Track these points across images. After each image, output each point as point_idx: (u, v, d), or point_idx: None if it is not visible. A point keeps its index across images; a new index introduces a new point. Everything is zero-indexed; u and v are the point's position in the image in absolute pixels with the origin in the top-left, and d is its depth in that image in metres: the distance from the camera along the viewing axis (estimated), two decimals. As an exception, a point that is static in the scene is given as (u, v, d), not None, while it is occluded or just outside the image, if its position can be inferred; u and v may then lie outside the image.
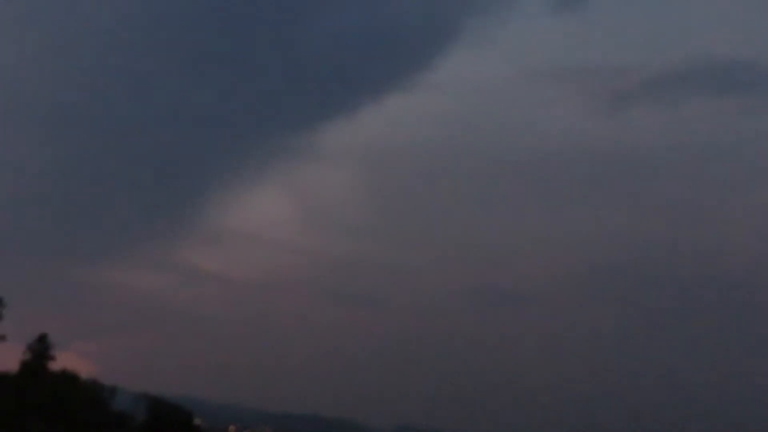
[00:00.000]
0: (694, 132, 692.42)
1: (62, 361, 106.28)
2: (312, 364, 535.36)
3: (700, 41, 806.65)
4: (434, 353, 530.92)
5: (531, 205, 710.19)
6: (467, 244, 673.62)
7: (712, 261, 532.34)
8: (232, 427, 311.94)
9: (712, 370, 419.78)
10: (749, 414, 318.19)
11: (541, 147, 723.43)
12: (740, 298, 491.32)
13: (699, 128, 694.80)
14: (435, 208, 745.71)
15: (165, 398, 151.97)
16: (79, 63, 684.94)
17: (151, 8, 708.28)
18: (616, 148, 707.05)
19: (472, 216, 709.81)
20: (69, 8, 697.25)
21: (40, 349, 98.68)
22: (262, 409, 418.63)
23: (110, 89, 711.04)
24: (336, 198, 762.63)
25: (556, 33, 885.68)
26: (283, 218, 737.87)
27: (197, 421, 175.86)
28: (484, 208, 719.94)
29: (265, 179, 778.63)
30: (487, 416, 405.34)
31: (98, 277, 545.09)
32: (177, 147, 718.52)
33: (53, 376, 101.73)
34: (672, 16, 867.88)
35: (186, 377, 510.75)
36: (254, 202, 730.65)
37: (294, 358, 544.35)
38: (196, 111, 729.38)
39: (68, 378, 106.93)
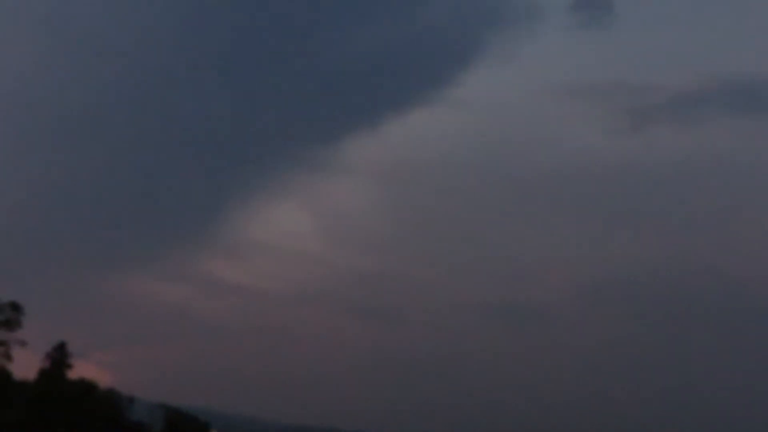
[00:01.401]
0: (716, 151, 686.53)
1: (80, 370, 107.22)
2: (330, 376, 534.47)
3: (724, 59, 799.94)
4: (452, 368, 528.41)
5: (551, 221, 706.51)
6: (487, 260, 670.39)
7: (731, 279, 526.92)
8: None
9: (727, 385, 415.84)
10: (760, 425, 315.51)
11: (562, 164, 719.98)
12: (757, 315, 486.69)
13: (721, 147, 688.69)
14: (455, 223, 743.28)
15: (182, 409, 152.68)
16: (99, 69, 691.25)
17: (174, 16, 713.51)
18: (637, 165, 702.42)
19: (493, 232, 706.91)
20: (88, 12, 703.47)
21: (59, 357, 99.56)
22: (279, 421, 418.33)
23: (133, 98, 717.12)
24: (357, 211, 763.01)
25: (580, 50, 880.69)
26: (304, 231, 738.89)
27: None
28: (504, 224, 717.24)
29: (286, 192, 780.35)
30: (500, 430, 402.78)
31: (118, 287, 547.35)
32: (199, 158, 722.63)
33: (71, 385, 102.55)
34: (696, 34, 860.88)
35: (204, 388, 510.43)
36: (276, 214, 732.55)
37: (312, 371, 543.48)
38: (219, 122, 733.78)
39: (86, 387, 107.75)
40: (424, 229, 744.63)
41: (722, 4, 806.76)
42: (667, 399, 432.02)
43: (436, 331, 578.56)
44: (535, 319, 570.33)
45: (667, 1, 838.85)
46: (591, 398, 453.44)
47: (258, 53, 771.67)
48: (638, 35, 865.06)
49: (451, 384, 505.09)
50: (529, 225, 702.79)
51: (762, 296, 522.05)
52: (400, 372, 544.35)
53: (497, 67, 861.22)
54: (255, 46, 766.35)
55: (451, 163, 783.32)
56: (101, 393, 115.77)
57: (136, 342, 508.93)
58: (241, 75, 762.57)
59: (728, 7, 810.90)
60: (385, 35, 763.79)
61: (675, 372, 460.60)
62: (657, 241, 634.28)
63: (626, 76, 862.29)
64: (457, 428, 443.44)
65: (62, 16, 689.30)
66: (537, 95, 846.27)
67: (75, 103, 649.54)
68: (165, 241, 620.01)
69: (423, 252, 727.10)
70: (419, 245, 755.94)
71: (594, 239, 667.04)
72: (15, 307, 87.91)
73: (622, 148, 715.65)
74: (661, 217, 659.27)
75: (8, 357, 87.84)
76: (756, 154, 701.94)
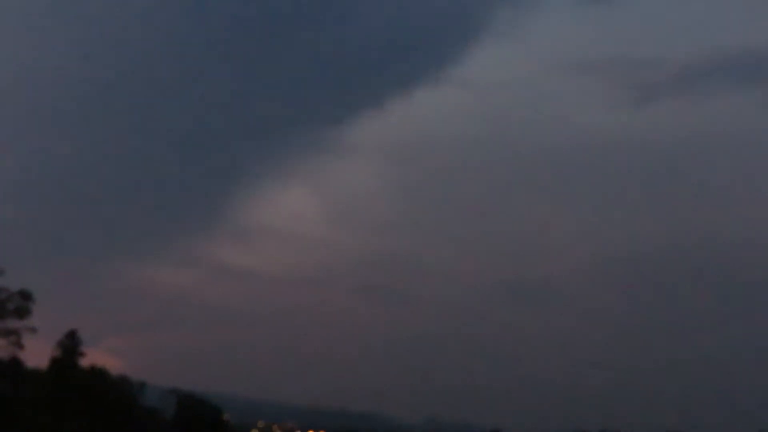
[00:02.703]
0: (721, 124, 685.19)
1: (92, 357, 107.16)
2: (339, 358, 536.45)
3: (729, 33, 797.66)
4: (461, 347, 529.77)
5: (558, 197, 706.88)
6: (494, 238, 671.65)
7: (738, 253, 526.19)
8: (260, 423, 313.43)
9: (738, 356, 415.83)
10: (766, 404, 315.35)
11: (568, 140, 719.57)
12: (766, 287, 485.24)
13: (727, 120, 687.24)
14: (463, 202, 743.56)
15: (194, 394, 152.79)
16: (103, 54, 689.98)
17: (179, 1, 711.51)
18: (644, 140, 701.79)
19: (500, 209, 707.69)
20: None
21: (70, 345, 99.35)
22: (289, 404, 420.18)
23: (137, 83, 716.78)
24: (364, 193, 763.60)
25: (584, 26, 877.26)
26: (311, 214, 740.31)
27: (225, 417, 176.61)
28: (511, 202, 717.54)
29: (292, 175, 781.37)
30: (513, 409, 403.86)
31: (127, 273, 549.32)
32: (205, 143, 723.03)
33: (83, 372, 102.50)
34: (700, 8, 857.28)
35: (214, 373, 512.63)
36: (282, 197, 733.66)
37: (322, 353, 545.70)
38: (225, 107, 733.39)
39: (98, 374, 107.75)
40: (432, 208, 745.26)
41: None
42: (679, 371, 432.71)
43: (446, 310, 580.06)
44: (545, 295, 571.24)
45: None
46: (604, 372, 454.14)
47: (262, 37, 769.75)
48: (643, 10, 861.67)
49: (461, 362, 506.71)
50: (537, 202, 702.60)
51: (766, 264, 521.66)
52: (410, 352, 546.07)
53: (502, 45, 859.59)
54: (259, 30, 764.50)
55: (457, 141, 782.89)
56: (112, 379, 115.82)
57: (146, 328, 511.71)
58: (245, 59, 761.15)
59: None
60: (389, 16, 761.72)
61: (687, 344, 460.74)
62: (666, 215, 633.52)
63: (631, 51, 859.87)
64: (467, 405, 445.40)
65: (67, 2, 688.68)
66: (542, 72, 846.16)
67: (75, 92, 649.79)
68: (173, 228, 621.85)
69: (431, 231, 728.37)
70: (427, 225, 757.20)
71: (602, 215, 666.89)
72: (25, 295, 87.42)
73: (627, 124, 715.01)
74: (669, 191, 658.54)
75: (19, 345, 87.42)
76: (763, 128, 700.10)
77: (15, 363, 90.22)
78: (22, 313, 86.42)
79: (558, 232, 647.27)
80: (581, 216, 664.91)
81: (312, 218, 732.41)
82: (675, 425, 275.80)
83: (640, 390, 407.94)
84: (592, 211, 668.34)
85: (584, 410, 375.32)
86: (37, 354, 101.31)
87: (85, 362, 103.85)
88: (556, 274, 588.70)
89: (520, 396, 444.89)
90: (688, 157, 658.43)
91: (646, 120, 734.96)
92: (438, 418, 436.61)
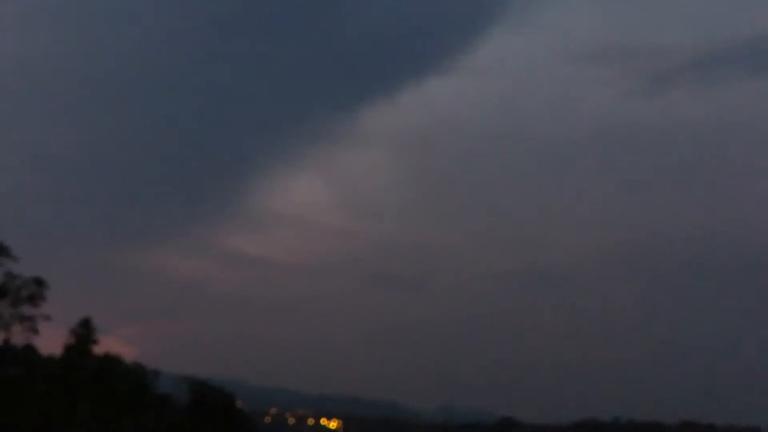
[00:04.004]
0: (736, 112, 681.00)
1: (105, 344, 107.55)
2: (353, 346, 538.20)
3: (744, 20, 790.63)
4: (475, 335, 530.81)
5: (570, 185, 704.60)
6: (508, 226, 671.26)
7: (752, 240, 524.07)
8: (273, 410, 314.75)
9: (753, 344, 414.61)
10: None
11: (581, 128, 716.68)
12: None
13: (742, 108, 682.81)
14: (475, 190, 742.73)
15: (207, 381, 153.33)
16: (120, 44, 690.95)
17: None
18: (658, 128, 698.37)
19: (512, 197, 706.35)
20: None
21: (84, 332, 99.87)
22: (303, 391, 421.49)
23: (149, 74, 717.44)
24: (377, 181, 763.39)
25: (597, 13, 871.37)
26: (324, 202, 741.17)
27: (238, 404, 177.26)
28: (524, 190, 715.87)
29: (305, 163, 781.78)
30: (527, 397, 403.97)
31: (141, 261, 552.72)
32: (218, 132, 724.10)
33: (96, 360, 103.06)
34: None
35: (227, 360, 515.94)
36: (295, 185, 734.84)
37: (335, 341, 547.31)
38: (237, 95, 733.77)
39: (111, 361, 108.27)
40: (444, 197, 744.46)
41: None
42: (695, 358, 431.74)
43: (459, 299, 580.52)
44: (556, 283, 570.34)
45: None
46: (614, 360, 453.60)
47: (275, 25, 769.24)
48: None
49: (474, 349, 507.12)
50: (549, 190, 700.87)
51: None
52: (424, 340, 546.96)
53: (514, 33, 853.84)
54: (271, 18, 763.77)
55: (469, 130, 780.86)
56: (126, 367, 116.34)
57: (159, 316, 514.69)
58: (258, 45, 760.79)
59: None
60: (402, 4, 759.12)
61: (703, 331, 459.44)
62: (677, 203, 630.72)
63: (644, 39, 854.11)
64: (484, 394, 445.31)
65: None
66: (554, 60, 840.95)
67: (92, 77, 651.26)
68: (186, 216, 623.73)
69: (443, 220, 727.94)
70: (439, 213, 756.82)
71: (614, 203, 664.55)
72: (39, 283, 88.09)
73: (640, 111, 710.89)
74: (680, 179, 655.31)
75: (34, 331, 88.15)
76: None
77: (29, 350, 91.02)
78: (36, 300, 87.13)
79: (572, 219, 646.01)
80: (594, 204, 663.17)
81: (325, 206, 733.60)
82: (690, 414, 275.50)
83: (655, 378, 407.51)
84: (606, 198, 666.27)
85: (598, 398, 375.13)
86: (52, 341, 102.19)
87: (98, 350, 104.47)
88: (571, 261, 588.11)
89: (534, 384, 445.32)
90: (702, 145, 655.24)
91: (661, 107, 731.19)
92: (452, 406, 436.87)
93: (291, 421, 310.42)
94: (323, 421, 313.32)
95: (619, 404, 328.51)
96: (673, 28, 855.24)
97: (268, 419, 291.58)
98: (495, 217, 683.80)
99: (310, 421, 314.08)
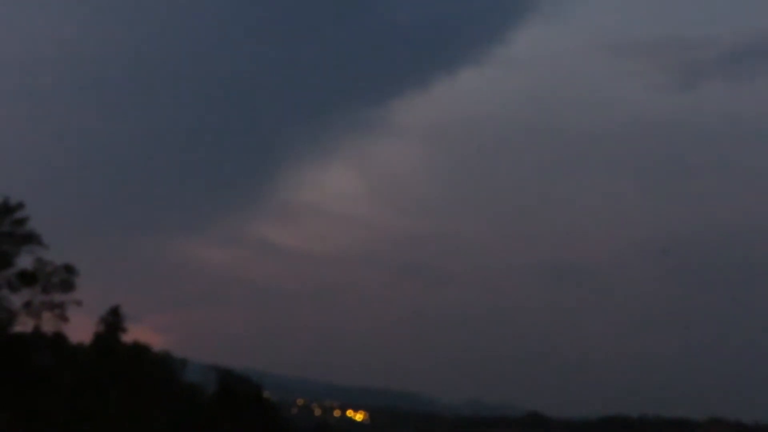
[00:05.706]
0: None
1: (134, 333, 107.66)
2: (381, 337, 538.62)
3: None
4: (502, 328, 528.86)
5: (601, 178, 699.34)
6: (537, 218, 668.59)
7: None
8: (300, 400, 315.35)
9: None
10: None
11: (613, 121, 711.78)
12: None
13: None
14: (505, 182, 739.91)
15: (235, 371, 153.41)
16: (158, 36, 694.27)
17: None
18: (690, 121, 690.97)
19: (543, 190, 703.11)
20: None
21: (113, 321, 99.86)
22: (330, 382, 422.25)
23: (184, 64, 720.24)
24: (407, 172, 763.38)
25: (630, 6, 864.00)
26: (355, 193, 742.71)
27: (266, 394, 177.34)
28: (554, 183, 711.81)
29: (337, 154, 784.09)
30: (553, 392, 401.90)
31: (171, 251, 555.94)
32: (250, 122, 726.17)
33: (125, 348, 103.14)
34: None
35: (255, 350, 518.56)
36: (326, 176, 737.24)
37: (363, 332, 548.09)
38: (270, 88, 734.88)
39: (140, 350, 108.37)
40: (474, 188, 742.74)
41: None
42: (722, 355, 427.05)
43: (486, 291, 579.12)
44: (586, 277, 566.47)
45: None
46: (640, 354, 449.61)
47: (309, 18, 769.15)
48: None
49: (501, 343, 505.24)
50: (580, 183, 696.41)
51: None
52: (452, 332, 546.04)
53: (547, 25, 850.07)
54: (306, 11, 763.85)
55: (501, 122, 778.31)
56: (155, 355, 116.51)
57: (189, 304, 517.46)
58: (292, 39, 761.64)
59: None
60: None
61: (728, 328, 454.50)
62: (709, 198, 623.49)
63: (677, 32, 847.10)
64: (510, 387, 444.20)
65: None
66: (587, 53, 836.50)
67: (129, 68, 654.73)
68: (217, 206, 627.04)
69: (473, 212, 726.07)
70: (469, 205, 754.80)
71: (645, 197, 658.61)
72: (69, 269, 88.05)
73: (672, 105, 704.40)
74: (712, 174, 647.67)
75: (64, 318, 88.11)
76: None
77: (59, 337, 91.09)
78: (67, 286, 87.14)
79: (599, 214, 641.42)
80: (622, 197, 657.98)
81: (356, 197, 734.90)
82: (718, 410, 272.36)
83: (683, 374, 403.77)
84: (635, 192, 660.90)
85: (626, 394, 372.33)
86: (81, 330, 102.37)
87: (127, 338, 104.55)
88: (597, 256, 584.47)
89: (561, 379, 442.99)
90: (734, 139, 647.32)
91: (693, 101, 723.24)
92: (479, 400, 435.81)
93: (317, 412, 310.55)
94: (350, 413, 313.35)
95: (647, 400, 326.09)
96: (705, 22, 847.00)
97: (294, 410, 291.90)
98: (524, 209, 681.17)
99: (337, 413, 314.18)
